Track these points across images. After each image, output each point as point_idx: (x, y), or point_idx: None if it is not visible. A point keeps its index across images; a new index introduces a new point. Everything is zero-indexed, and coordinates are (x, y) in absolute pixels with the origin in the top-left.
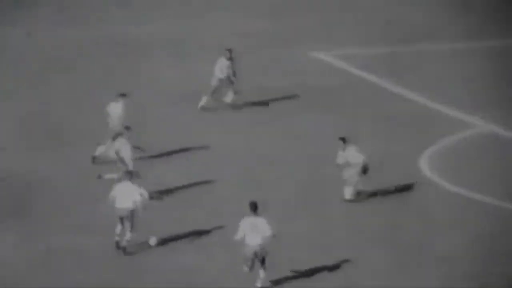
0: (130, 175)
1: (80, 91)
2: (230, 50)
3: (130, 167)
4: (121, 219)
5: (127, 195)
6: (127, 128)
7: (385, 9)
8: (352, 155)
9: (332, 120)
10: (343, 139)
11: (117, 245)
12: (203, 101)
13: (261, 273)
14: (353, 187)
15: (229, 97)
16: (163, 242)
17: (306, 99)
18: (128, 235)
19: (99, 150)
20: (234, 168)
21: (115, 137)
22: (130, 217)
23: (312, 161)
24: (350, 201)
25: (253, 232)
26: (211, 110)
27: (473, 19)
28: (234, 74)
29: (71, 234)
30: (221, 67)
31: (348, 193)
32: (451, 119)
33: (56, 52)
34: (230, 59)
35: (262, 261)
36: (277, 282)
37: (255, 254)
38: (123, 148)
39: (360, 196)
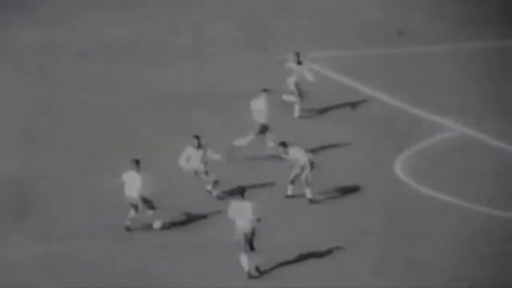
0: (137, 164)
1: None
2: (298, 54)
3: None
4: (132, 205)
5: (132, 184)
6: (197, 137)
7: (360, 12)
8: (297, 157)
9: (307, 123)
10: (283, 144)
11: (127, 229)
12: (290, 98)
13: (252, 256)
14: (308, 186)
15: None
16: (167, 226)
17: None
18: (149, 213)
19: (239, 142)
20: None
21: (261, 131)
22: (139, 202)
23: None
24: (312, 200)
25: (241, 216)
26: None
27: (449, 22)
28: (306, 77)
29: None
30: (293, 72)
31: (308, 192)
32: (427, 122)
33: (26, 55)
34: (299, 63)
35: (251, 245)
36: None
37: (245, 237)
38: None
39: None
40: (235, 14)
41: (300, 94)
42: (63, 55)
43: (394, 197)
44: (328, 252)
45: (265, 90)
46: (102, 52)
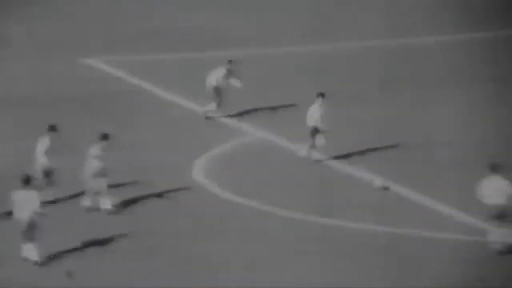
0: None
1: None
2: (231, 62)
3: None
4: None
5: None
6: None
7: (170, 16)
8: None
9: (104, 128)
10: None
11: None
12: (210, 107)
13: (31, 246)
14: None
15: (209, 107)
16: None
17: (79, 107)
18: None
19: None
20: None
21: (312, 133)
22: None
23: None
24: (111, 211)
25: (24, 206)
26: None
27: (287, 24)
28: (228, 85)
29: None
30: (216, 76)
31: (107, 203)
32: (227, 126)
33: None
34: (229, 70)
35: (31, 234)
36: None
37: (28, 226)
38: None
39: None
40: (22, 15)
41: (220, 97)
42: None
43: (191, 201)
44: (129, 254)
45: (321, 95)
46: None
